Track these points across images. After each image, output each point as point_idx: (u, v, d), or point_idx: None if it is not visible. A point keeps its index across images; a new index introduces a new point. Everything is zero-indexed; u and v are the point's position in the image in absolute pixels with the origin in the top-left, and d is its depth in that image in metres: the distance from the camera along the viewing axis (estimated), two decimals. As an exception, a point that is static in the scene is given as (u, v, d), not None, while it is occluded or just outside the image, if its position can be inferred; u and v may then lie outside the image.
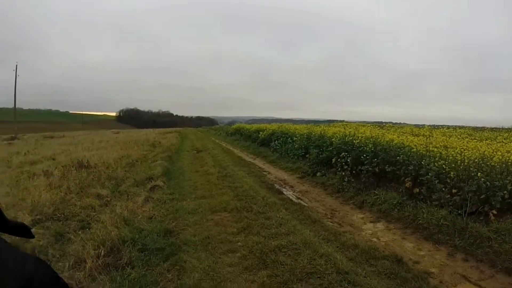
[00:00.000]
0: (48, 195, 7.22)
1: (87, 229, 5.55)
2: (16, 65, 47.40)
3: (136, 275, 4.06)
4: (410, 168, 7.04)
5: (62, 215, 6.32)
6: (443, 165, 6.52)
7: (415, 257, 4.74)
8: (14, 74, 46.32)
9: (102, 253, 4.40)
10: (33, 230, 0.65)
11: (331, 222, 6.26)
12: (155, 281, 4.02)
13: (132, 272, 4.14)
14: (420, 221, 5.74)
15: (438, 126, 16.14)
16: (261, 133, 20.96)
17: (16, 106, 50.54)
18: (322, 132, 12.79)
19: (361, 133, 10.11)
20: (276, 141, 16.96)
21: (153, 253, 4.70)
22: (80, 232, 5.36)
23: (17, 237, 0.62)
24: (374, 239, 5.42)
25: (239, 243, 5.12)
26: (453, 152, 6.84)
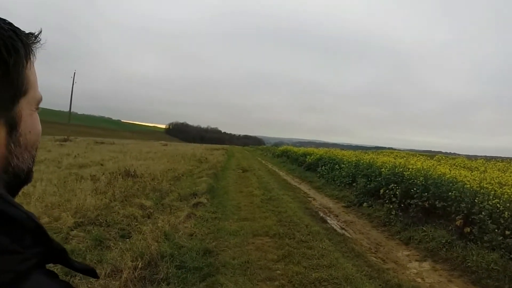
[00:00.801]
0: (93, 199, 7.48)
1: (127, 239, 5.69)
2: (74, 73, 50.78)
3: (171, 292, 4.08)
4: (462, 205, 6.68)
5: (104, 221, 6.51)
6: (497, 204, 6.17)
7: (461, 303, 4.45)
8: (72, 80, 49.23)
9: (140, 266, 4.48)
10: (99, 273, 0.67)
11: (375, 257, 6.04)
12: (189, 301, 4.03)
13: (167, 288, 4.16)
14: (469, 264, 5.42)
15: (491, 157, 15.46)
16: (308, 157, 20.84)
17: (71, 110, 53.32)
18: (371, 161, 12.53)
19: (412, 164, 9.78)
20: (323, 166, 16.78)
21: (191, 272, 4.72)
22: (120, 241, 5.50)
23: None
24: (419, 279, 5.16)
25: (278, 271, 5.04)
26: (508, 190, 6.46)
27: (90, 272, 0.65)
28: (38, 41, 0.65)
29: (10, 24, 0.61)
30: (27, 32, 0.64)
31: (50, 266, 0.57)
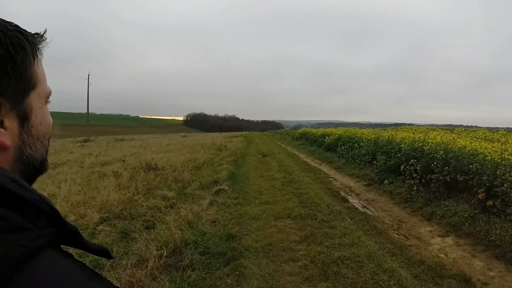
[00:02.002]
0: (116, 194, 7.65)
1: (152, 229, 5.82)
2: (88, 74, 51.83)
3: (196, 278, 4.22)
4: (484, 178, 6.56)
5: (129, 215, 6.68)
6: (520, 175, 6.06)
7: (484, 278, 4.42)
8: (87, 82, 50.10)
9: (165, 254, 4.61)
10: (113, 254, 0.73)
11: (397, 234, 6.05)
12: (214, 285, 4.15)
13: (192, 274, 4.31)
14: (492, 238, 5.33)
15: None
16: (327, 138, 20.73)
17: (89, 111, 54.55)
18: (390, 138, 12.41)
19: (432, 138, 9.67)
20: (343, 146, 16.70)
21: (214, 257, 4.84)
22: (144, 232, 5.65)
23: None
24: (442, 255, 5.14)
25: (301, 252, 5.11)
26: (532, 161, 6.36)
27: (104, 253, 0.70)
28: (44, 40, 0.70)
29: (16, 25, 0.66)
30: (33, 32, 0.69)
31: (64, 248, 0.62)
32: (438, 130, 14.62)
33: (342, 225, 6.19)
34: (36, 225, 0.55)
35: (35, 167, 0.70)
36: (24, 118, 0.65)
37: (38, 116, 0.69)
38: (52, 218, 0.59)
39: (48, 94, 0.72)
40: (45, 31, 0.71)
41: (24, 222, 0.54)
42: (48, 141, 0.74)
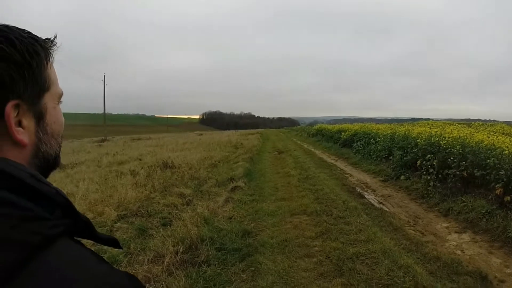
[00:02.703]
0: (133, 192, 7.77)
1: (168, 226, 5.91)
2: (104, 75, 52.43)
3: (211, 273, 4.29)
4: (502, 173, 6.45)
5: (146, 212, 6.78)
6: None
7: (501, 275, 4.36)
8: (103, 83, 50.78)
9: (181, 250, 4.69)
10: (121, 244, 0.79)
11: (414, 231, 6.02)
12: (229, 280, 4.21)
13: (208, 270, 4.38)
14: (510, 234, 5.25)
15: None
16: (343, 133, 20.63)
17: (106, 112, 55.29)
18: (406, 133, 12.31)
19: (448, 133, 9.58)
20: (358, 142, 16.61)
21: (230, 253, 4.90)
22: (161, 229, 5.75)
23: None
24: (458, 252, 5.10)
25: (316, 248, 5.14)
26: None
27: (114, 243, 0.76)
28: (55, 45, 0.76)
29: (29, 32, 0.72)
30: (44, 38, 0.75)
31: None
32: (455, 125, 14.42)
33: (358, 221, 6.18)
34: (52, 216, 0.61)
35: (50, 163, 0.77)
36: (39, 118, 0.72)
37: (52, 115, 0.75)
38: (67, 210, 0.65)
39: (60, 95, 0.79)
40: (55, 36, 0.77)
41: (42, 212, 0.59)
42: (61, 139, 0.81)
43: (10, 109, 0.65)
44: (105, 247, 5.13)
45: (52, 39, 0.76)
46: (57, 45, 0.77)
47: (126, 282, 0.62)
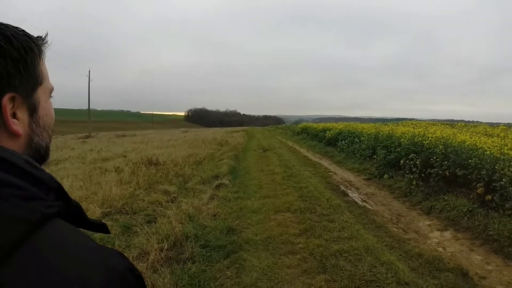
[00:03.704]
0: (118, 190, 7.70)
1: (153, 223, 5.87)
2: (89, 71, 52.16)
3: (196, 270, 4.29)
4: (483, 172, 6.55)
5: (130, 209, 6.73)
6: (519, 170, 6.07)
7: (482, 272, 4.43)
8: (88, 78, 50.36)
9: (165, 247, 4.69)
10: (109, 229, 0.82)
11: (396, 228, 6.08)
12: (214, 277, 4.22)
13: (192, 266, 4.38)
14: (491, 232, 5.34)
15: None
16: (327, 132, 20.74)
17: (91, 108, 54.79)
18: (390, 132, 12.42)
19: (431, 133, 9.70)
20: (343, 140, 16.72)
21: (215, 250, 4.91)
22: (146, 226, 5.70)
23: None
24: (440, 249, 5.16)
25: (300, 245, 5.17)
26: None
27: (102, 228, 0.79)
28: (46, 42, 0.79)
29: (23, 30, 0.75)
30: (36, 35, 0.78)
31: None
32: (438, 125, 14.60)
33: (341, 218, 6.24)
34: (47, 197, 0.64)
35: (41, 154, 0.79)
36: (33, 110, 0.75)
37: (44, 108, 0.78)
38: (59, 194, 0.68)
39: (51, 89, 0.82)
40: (47, 34, 0.81)
41: (39, 192, 0.63)
42: (52, 131, 0.84)
43: (6, 101, 0.68)
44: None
45: (43, 37, 0.79)
46: (48, 42, 0.80)
47: (117, 255, 0.66)
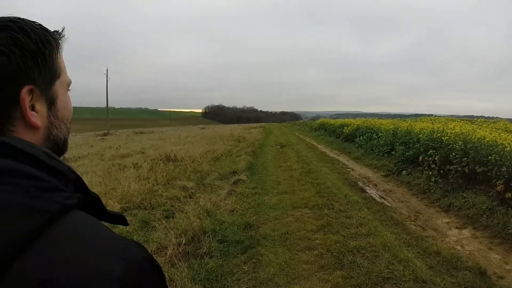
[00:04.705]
0: (136, 185, 7.84)
1: (171, 219, 5.96)
2: (107, 69, 52.51)
3: (213, 265, 4.35)
4: (503, 169, 6.46)
5: (149, 205, 6.83)
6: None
7: (500, 271, 4.39)
8: (106, 77, 50.78)
9: (183, 242, 4.76)
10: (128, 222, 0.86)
11: (414, 225, 6.05)
12: (231, 272, 4.28)
13: (210, 261, 4.44)
14: (510, 231, 5.27)
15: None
16: (345, 128, 20.63)
17: (109, 105, 55.43)
18: (409, 128, 12.32)
19: (451, 129, 9.57)
20: (361, 136, 16.61)
21: (232, 245, 4.96)
22: (164, 221, 5.80)
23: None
24: (458, 247, 5.14)
25: (317, 241, 5.19)
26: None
27: (121, 219, 0.81)
28: (63, 36, 0.82)
29: (40, 24, 0.77)
30: (53, 30, 0.80)
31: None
32: (457, 121, 14.40)
33: (359, 215, 6.23)
34: (66, 189, 0.67)
35: (59, 146, 0.82)
36: (51, 103, 0.77)
37: (62, 101, 0.80)
38: (78, 185, 0.71)
39: (69, 83, 0.83)
40: (63, 28, 0.82)
41: (59, 184, 0.66)
42: (70, 124, 0.85)
43: (25, 93, 0.70)
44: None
45: (60, 31, 0.81)
46: (65, 36, 0.82)
47: (136, 246, 0.68)
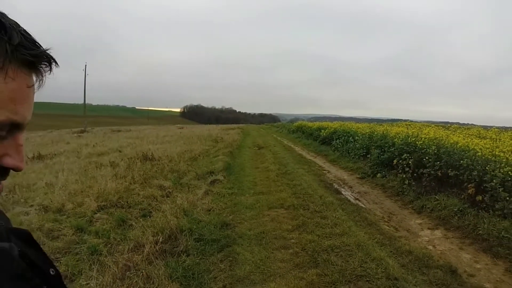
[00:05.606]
0: (113, 184, 7.73)
1: (148, 217, 5.93)
2: (85, 65, 51.33)
3: (190, 263, 4.37)
4: (474, 173, 6.66)
5: (126, 203, 6.77)
6: (510, 172, 6.15)
7: (470, 270, 4.52)
8: (84, 73, 49.90)
9: (160, 240, 4.76)
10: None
11: (388, 226, 6.17)
12: (207, 270, 4.30)
13: (187, 259, 4.46)
14: (480, 232, 5.45)
15: (510, 127, 15.10)
16: (322, 131, 20.85)
17: (86, 102, 54.34)
18: (385, 132, 12.53)
19: (425, 134, 9.80)
20: (338, 140, 16.80)
21: (209, 244, 4.99)
22: (141, 220, 5.76)
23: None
24: (430, 247, 5.25)
25: (292, 240, 5.25)
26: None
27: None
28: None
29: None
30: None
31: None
32: (432, 126, 14.71)
33: (334, 215, 6.31)
34: None
35: None
36: None
37: None
38: None
39: None
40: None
41: None
42: None
43: None
44: (85, 236, 5.14)
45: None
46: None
47: None
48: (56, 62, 0.66)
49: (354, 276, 4.08)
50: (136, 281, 3.77)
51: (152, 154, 12.15)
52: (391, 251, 4.89)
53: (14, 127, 0.63)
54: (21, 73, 0.61)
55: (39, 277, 0.66)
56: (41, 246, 0.73)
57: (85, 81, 50.28)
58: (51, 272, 0.70)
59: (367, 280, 3.98)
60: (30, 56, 0.61)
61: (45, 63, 0.64)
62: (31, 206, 6.45)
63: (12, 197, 6.96)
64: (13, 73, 0.59)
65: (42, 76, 0.65)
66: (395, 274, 4.06)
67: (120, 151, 15.17)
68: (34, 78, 0.64)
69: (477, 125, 22.14)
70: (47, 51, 0.64)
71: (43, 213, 6.04)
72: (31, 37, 0.62)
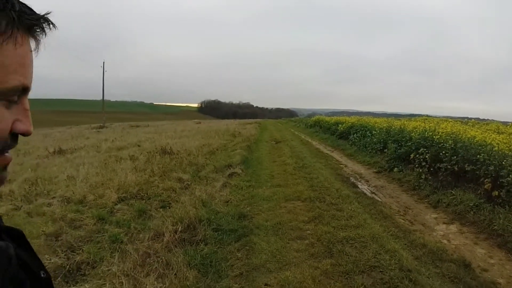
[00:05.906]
0: (133, 176, 7.93)
1: (167, 208, 6.14)
2: (104, 62, 51.87)
3: (208, 251, 4.52)
4: (491, 168, 6.62)
5: (145, 195, 6.97)
6: (527, 167, 6.14)
7: (484, 265, 4.55)
8: (102, 69, 50.40)
9: (179, 229, 4.90)
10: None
11: (403, 220, 6.22)
12: (225, 258, 4.45)
13: (205, 248, 4.61)
14: (496, 227, 5.44)
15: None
16: (340, 125, 20.79)
17: (104, 98, 55.08)
18: (402, 126, 12.49)
19: (442, 128, 9.76)
20: (355, 134, 16.76)
21: (226, 233, 5.14)
22: (161, 210, 5.98)
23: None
24: (445, 241, 5.29)
25: (308, 231, 5.35)
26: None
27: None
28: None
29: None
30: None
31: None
32: (450, 121, 14.57)
33: (350, 208, 6.38)
34: None
35: None
36: None
37: None
38: None
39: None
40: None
41: None
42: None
43: None
44: (106, 226, 5.32)
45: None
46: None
47: None
48: (54, 25, 0.67)
49: (367, 266, 4.16)
50: (156, 267, 3.93)
51: (171, 148, 12.33)
52: (405, 244, 4.95)
53: (22, 92, 0.64)
54: (27, 38, 0.64)
55: (30, 279, 0.65)
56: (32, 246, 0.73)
57: (104, 77, 50.88)
58: (42, 275, 0.71)
59: (380, 271, 4.05)
60: (34, 21, 0.63)
61: (46, 26, 0.66)
62: (53, 197, 6.65)
63: (35, 189, 7.16)
64: (21, 38, 0.62)
65: (39, 39, 0.67)
66: (409, 265, 4.12)
67: (139, 146, 15.37)
68: (34, 43, 0.66)
69: (497, 121, 21.79)
70: (46, 15, 0.66)
71: (65, 204, 6.26)
72: (25, 4, 0.63)
